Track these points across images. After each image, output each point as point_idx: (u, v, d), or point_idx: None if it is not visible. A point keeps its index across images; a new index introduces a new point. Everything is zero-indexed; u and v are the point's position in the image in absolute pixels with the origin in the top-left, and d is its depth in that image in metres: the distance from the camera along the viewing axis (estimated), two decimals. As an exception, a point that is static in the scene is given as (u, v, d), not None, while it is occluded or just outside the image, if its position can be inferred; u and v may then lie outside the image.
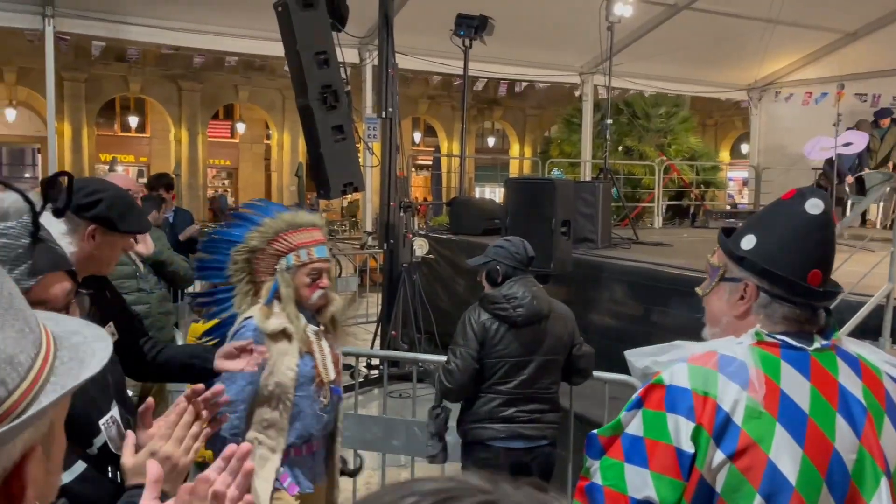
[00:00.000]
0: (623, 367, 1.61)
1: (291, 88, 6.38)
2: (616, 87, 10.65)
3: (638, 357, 1.54)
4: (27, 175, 25.20)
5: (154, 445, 1.39)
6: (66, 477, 1.38)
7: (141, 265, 4.29)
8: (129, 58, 15.53)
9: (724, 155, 27.55)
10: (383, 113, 7.09)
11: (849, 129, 9.37)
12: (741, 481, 1.35)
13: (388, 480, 3.40)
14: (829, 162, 9.65)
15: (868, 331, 4.27)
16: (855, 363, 1.47)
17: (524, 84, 13.81)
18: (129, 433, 1.44)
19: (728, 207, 15.20)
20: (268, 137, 28.19)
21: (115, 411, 1.60)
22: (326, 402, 2.60)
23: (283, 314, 2.53)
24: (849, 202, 9.55)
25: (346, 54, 6.62)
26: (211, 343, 2.68)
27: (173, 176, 7.90)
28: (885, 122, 10.28)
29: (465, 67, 9.07)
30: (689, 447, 1.36)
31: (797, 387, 1.40)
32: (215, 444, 2.49)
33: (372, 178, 9.56)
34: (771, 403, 1.37)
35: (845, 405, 1.41)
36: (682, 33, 11.41)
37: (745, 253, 1.49)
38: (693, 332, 1.68)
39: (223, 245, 2.61)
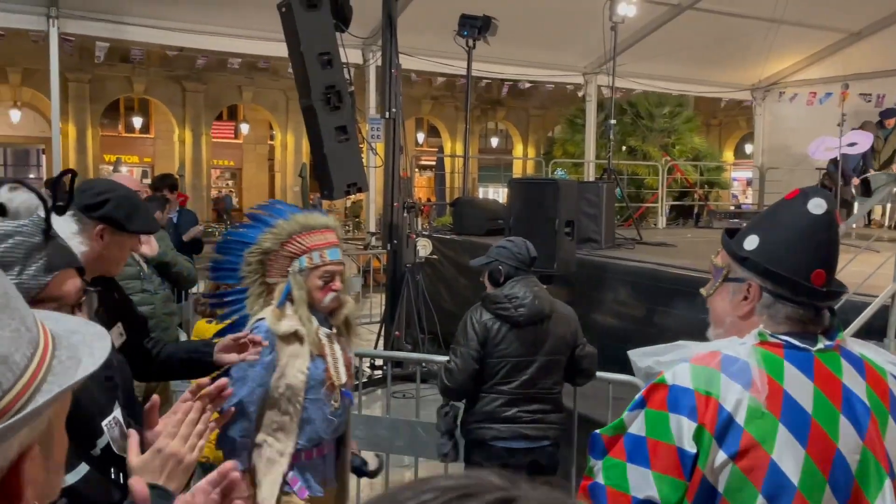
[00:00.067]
0: (627, 368, 1.61)
1: (295, 89, 6.39)
2: (620, 88, 10.65)
3: (641, 357, 1.54)
4: (32, 176, 25.26)
5: (160, 443, 1.40)
6: (71, 478, 1.39)
7: (145, 266, 4.29)
8: (133, 59, 15.57)
9: (728, 155, 27.51)
10: (387, 113, 7.09)
11: (853, 129, 9.35)
12: (743, 481, 1.34)
13: (391, 481, 3.40)
14: (834, 162, 9.62)
15: (873, 331, 4.26)
16: (859, 364, 1.46)
17: (528, 84, 13.80)
18: (133, 432, 1.45)
19: (732, 208, 15.16)
20: (271, 138, 28.21)
21: (117, 412, 1.61)
22: (337, 405, 2.59)
23: (295, 316, 2.51)
24: (855, 204, 9.53)
25: (350, 55, 6.63)
26: None
27: (177, 177, 7.92)
28: (890, 122, 10.26)
29: (469, 68, 9.07)
30: (690, 447, 1.35)
31: (800, 387, 1.40)
32: (225, 444, 2.50)
33: (375, 179, 9.56)
34: (774, 404, 1.37)
35: (849, 406, 1.40)
36: (686, 33, 11.39)
37: (748, 253, 1.49)
38: (697, 332, 1.67)
39: (237, 246, 2.60)
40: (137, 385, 3.31)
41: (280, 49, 6.72)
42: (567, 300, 4.34)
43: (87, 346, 0.80)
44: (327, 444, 2.63)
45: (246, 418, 2.44)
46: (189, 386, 1.60)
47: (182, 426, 1.42)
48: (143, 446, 1.44)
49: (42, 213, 1.27)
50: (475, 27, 8.59)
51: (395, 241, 7.09)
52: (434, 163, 28.56)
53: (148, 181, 12.07)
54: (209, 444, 2.62)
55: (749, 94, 14.62)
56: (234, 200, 27.91)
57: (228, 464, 1.22)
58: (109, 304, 2.20)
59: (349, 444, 2.76)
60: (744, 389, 1.37)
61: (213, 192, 27.29)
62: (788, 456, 1.35)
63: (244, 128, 27.49)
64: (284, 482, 2.48)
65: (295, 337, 2.50)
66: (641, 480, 1.37)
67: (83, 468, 1.44)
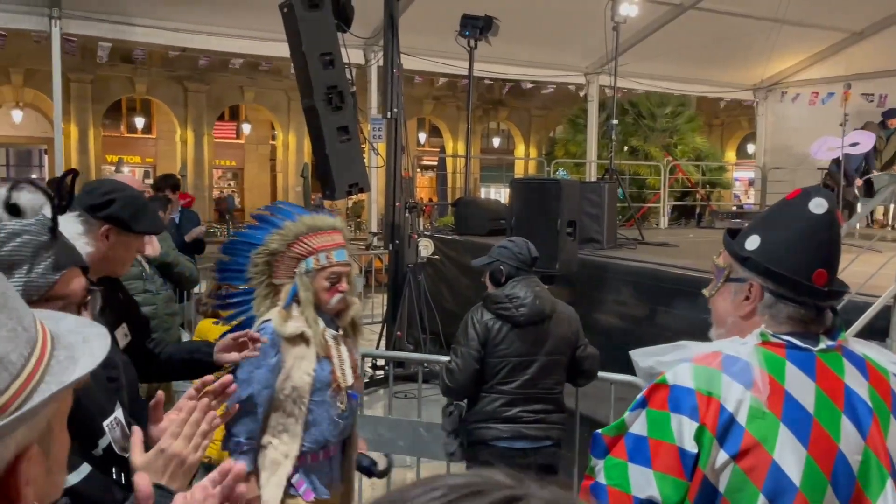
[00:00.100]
0: (629, 368, 1.61)
1: (297, 89, 6.39)
2: (621, 88, 10.64)
3: (643, 357, 1.54)
4: (34, 176, 25.30)
5: (163, 443, 1.40)
6: (73, 478, 1.39)
7: (147, 266, 4.30)
8: (135, 59, 15.58)
9: (730, 155, 27.50)
10: (388, 113, 7.09)
11: (856, 129, 9.34)
12: (745, 481, 1.34)
13: (393, 481, 3.40)
14: (836, 162, 9.61)
15: (875, 331, 4.25)
16: (861, 364, 1.46)
17: (530, 84, 13.79)
18: (136, 429, 1.45)
19: (734, 208, 15.16)
20: (273, 138, 28.24)
21: (118, 412, 1.61)
22: (344, 407, 2.57)
23: (301, 318, 2.50)
24: (858, 205, 9.52)
25: (352, 55, 6.62)
26: None
27: (179, 177, 7.93)
28: (893, 122, 10.25)
29: (471, 68, 9.07)
30: (692, 447, 1.36)
31: (802, 387, 1.40)
32: (231, 446, 2.50)
33: (377, 179, 9.56)
34: (775, 404, 1.37)
35: (851, 406, 1.40)
36: (688, 33, 11.38)
37: (750, 253, 1.49)
38: (699, 332, 1.67)
39: (244, 247, 2.59)
40: (140, 386, 3.33)
41: (282, 49, 6.73)
42: (569, 300, 4.34)
43: (86, 345, 0.80)
44: (334, 447, 2.61)
45: (252, 420, 2.43)
46: (193, 384, 1.61)
47: (186, 426, 1.42)
48: (148, 443, 1.44)
49: (46, 213, 1.28)
50: (477, 27, 8.59)
51: (397, 242, 7.09)
52: (436, 163, 28.58)
53: (150, 181, 12.08)
54: (215, 445, 2.63)
55: (751, 93, 14.61)
56: (236, 201, 27.94)
57: (228, 463, 1.22)
58: (114, 304, 2.21)
59: (356, 446, 2.74)
60: (745, 389, 1.37)
61: (215, 193, 27.32)
62: (790, 456, 1.35)
63: (246, 128, 27.51)
64: (290, 485, 2.47)
65: (301, 338, 2.49)
66: (643, 480, 1.37)
67: (85, 468, 1.44)
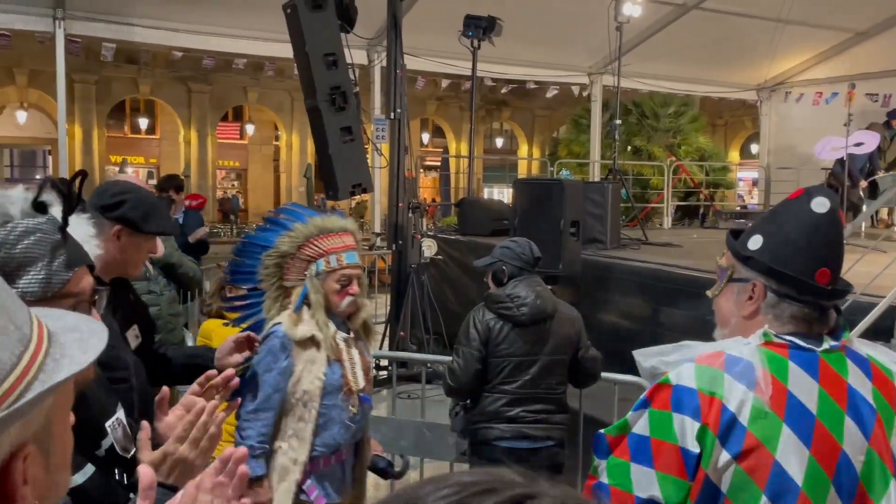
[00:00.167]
0: (633, 368, 1.61)
1: (300, 90, 6.39)
2: (625, 88, 10.63)
3: (646, 357, 1.54)
4: (38, 177, 25.35)
5: (169, 447, 1.40)
6: (79, 478, 1.40)
7: (151, 267, 4.31)
8: (140, 60, 15.60)
9: (734, 155, 27.46)
10: (392, 114, 7.10)
11: (860, 129, 9.31)
12: (747, 482, 1.34)
13: (396, 482, 3.40)
14: (840, 162, 9.59)
15: (880, 332, 4.24)
16: (865, 364, 1.46)
17: (534, 85, 13.78)
18: (144, 424, 1.45)
19: (738, 208, 15.14)
20: (276, 139, 28.28)
21: (120, 413, 1.62)
22: (356, 410, 2.55)
23: (311, 321, 2.48)
24: (863, 206, 9.49)
25: (355, 55, 6.63)
26: None
27: (183, 177, 7.94)
28: (897, 122, 10.22)
29: (474, 68, 9.07)
30: (694, 447, 1.36)
31: (805, 388, 1.39)
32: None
33: (380, 179, 9.57)
34: (778, 404, 1.37)
35: (854, 407, 1.40)
36: (691, 33, 11.36)
37: (752, 253, 1.49)
38: (702, 332, 1.67)
39: (255, 249, 2.58)
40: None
41: (285, 50, 6.73)
42: (572, 300, 4.35)
43: (81, 343, 0.79)
44: (346, 450, 2.60)
45: (263, 424, 2.42)
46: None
47: (193, 430, 1.42)
48: (154, 439, 1.45)
49: (54, 213, 1.29)
50: (480, 28, 8.59)
51: (401, 242, 7.09)
52: (439, 163, 28.54)
53: (153, 182, 12.10)
54: (222, 445, 2.63)
55: (755, 93, 14.59)
56: (240, 201, 27.97)
57: (229, 450, 1.22)
58: (126, 306, 2.22)
59: (368, 449, 2.73)
60: (748, 390, 1.37)
61: (219, 193, 27.36)
62: (792, 456, 1.35)
63: (249, 128, 27.55)
64: (301, 490, 2.46)
65: (311, 342, 2.47)
66: (645, 480, 1.37)
67: (90, 468, 1.45)
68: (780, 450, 1.35)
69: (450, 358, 3.67)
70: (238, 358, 2.32)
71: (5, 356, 0.71)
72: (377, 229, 11.13)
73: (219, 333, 3.75)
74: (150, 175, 24.39)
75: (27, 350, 0.73)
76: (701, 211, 14.11)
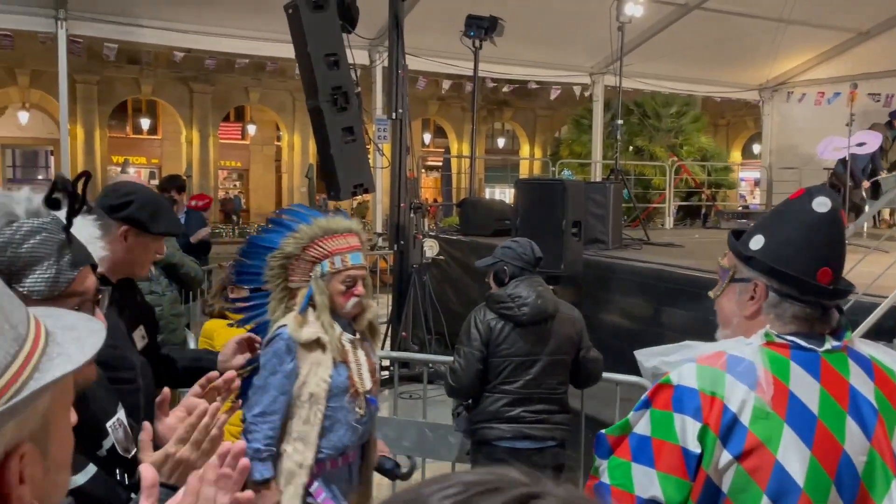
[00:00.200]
0: (634, 369, 1.61)
1: (302, 90, 6.40)
2: (626, 88, 10.63)
3: (647, 357, 1.54)
4: (40, 177, 25.39)
5: (170, 448, 1.40)
6: (81, 478, 1.40)
7: (152, 267, 4.31)
8: (142, 60, 15.61)
9: (736, 155, 27.44)
10: (393, 114, 7.10)
11: (862, 129, 9.30)
12: (748, 482, 1.34)
13: (398, 482, 3.40)
14: (842, 162, 9.58)
15: (883, 332, 4.23)
16: (867, 365, 1.46)
17: (536, 85, 13.78)
18: (147, 424, 1.45)
19: (740, 208, 15.14)
20: (278, 139, 28.29)
21: (121, 414, 1.62)
22: (362, 412, 2.54)
23: (317, 323, 2.47)
24: (866, 207, 9.48)
25: (357, 56, 6.63)
26: None
27: (185, 178, 7.94)
28: (899, 122, 10.20)
29: (476, 68, 9.07)
30: (695, 447, 1.35)
31: (806, 388, 1.39)
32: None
33: (382, 180, 9.57)
34: (779, 404, 1.37)
35: (856, 407, 1.40)
36: (693, 33, 11.36)
37: (754, 253, 1.48)
38: (703, 332, 1.67)
39: (261, 250, 2.57)
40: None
41: (287, 50, 6.73)
42: (574, 301, 4.34)
43: (79, 342, 0.79)
44: (353, 452, 2.59)
45: (270, 427, 2.42)
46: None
47: (195, 432, 1.42)
48: (155, 440, 1.45)
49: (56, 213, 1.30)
50: (482, 28, 8.59)
51: (402, 242, 7.09)
52: (441, 163, 28.51)
53: (155, 182, 12.10)
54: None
55: (757, 94, 14.58)
56: (242, 201, 27.99)
57: (226, 444, 1.22)
58: (132, 306, 2.22)
59: (375, 450, 2.72)
60: (749, 390, 1.37)
61: (221, 193, 27.38)
62: (794, 457, 1.34)
63: (251, 129, 27.57)
64: (308, 493, 2.45)
65: (317, 344, 2.46)
66: (646, 480, 1.37)
67: (91, 468, 1.45)
68: (781, 450, 1.34)
69: (451, 358, 3.66)
70: (241, 360, 2.32)
71: (0, 355, 0.71)
72: (379, 229, 11.13)
73: (221, 334, 3.75)
74: (152, 175, 24.41)
75: (22, 349, 0.73)
76: (703, 211, 14.11)
